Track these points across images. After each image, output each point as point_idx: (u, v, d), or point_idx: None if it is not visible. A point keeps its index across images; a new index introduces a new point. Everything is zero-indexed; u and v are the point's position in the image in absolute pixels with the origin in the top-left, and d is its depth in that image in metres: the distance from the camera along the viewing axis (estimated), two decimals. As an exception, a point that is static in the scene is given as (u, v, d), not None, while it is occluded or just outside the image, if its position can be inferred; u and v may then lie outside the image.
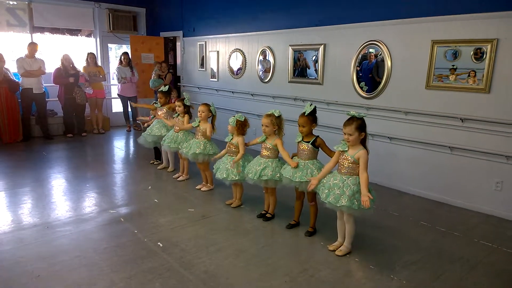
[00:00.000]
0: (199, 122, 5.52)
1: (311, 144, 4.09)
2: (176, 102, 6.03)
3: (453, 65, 5.12)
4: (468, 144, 5.11)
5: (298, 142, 4.20)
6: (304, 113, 4.09)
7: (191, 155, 5.46)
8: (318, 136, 4.12)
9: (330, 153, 4.02)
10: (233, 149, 4.87)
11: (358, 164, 3.59)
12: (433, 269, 3.65)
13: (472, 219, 4.92)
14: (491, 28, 4.77)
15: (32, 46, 8.51)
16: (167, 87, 6.55)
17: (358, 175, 3.62)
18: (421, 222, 4.77)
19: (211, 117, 5.57)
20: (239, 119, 4.82)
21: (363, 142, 3.65)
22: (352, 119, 3.61)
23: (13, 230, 4.23)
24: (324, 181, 3.82)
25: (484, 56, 4.83)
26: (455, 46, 5.06)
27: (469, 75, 5.00)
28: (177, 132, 5.91)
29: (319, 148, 4.13)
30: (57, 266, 3.51)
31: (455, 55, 5.08)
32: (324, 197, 3.71)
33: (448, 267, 3.70)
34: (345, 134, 3.63)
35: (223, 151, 5.05)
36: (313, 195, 4.19)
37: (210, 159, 5.48)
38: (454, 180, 5.32)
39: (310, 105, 4.09)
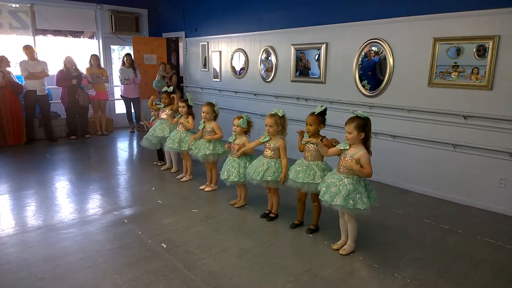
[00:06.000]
0: (204, 123, 5.53)
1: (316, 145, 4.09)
2: (179, 103, 6.02)
3: (455, 62, 5.10)
4: (471, 141, 5.10)
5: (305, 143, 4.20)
6: (314, 112, 4.10)
7: (201, 156, 5.46)
8: (324, 136, 4.11)
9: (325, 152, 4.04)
10: (237, 150, 4.88)
11: (358, 164, 3.59)
12: (437, 267, 3.65)
13: (476, 217, 4.91)
14: (492, 24, 4.75)
15: (29, 49, 8.51)
16: (171, 87, 6.55)
17: (356, 174, 3.63)
18: (424, 220, 4.76)
19: (214, 116, 5.57)
20: (249, 120, 4.85)
21: (365, 143, 3.64)
22: (353, 118, 3.61)
23: (17, 233, 4.24)
24: (324, 178, 3.86)
25: (486, 52, 4.82)
26: (457, 43, 5.05)
27: (472, 72, 4.98)
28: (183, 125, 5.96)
29: None
30: (61, 268, 3.52)
31: (458, 52, 5.06)
32: (322, 194, 3.76)
33: (452, 265, 3.69)
34: (346, 131, 3.65)
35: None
36: (316, 195, 4.19)
37: (220, 158, 5.50)
38: (458, 177, 5.30)
39: (321, 106, 4.10)
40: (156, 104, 6.65)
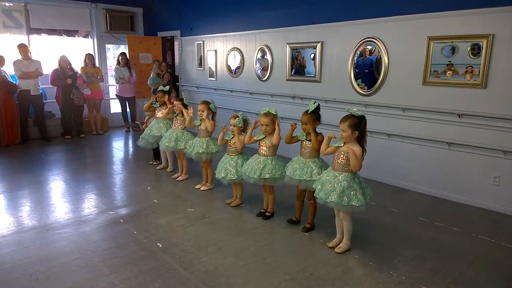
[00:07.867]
0: (200, 121, 5.52)
1: None
2: (174, 102, 6.01)
3: (449, 61, 5.12)
4: (466, 140, 5.12)
5: (301, 140, 4.20)
6: (308, 110, 4.10)
7: (195, 154, 5.47)
8: (320, 133, 4.12)
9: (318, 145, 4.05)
10: (234, 148, 4.88)
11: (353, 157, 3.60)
12: (432, 265, 3.66)
13: (471, 215, 4.92)
14: (486, 23, 4.77)
15: (24, 48, 8.46)
16: (167, 87, 6.52)
17: (350, 172, 3.65)
18: (420, 218, 4.77)
19: (211, 114, 5.56)
20: (245, 118, 4.85)
21: (359, 141, 3.64)
22: (347, 116, 3.62)
23: (12, 233, 4.22)
24: (320, 176, 3.88)
25: (481, 51, 4.84)
26: (451, 42, 5.06)
27: (466, 71, 5.00)
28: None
29: None
30: (56, 269, 3.50)
31: (453, 51, 5.08)
32: (317, 192, 3.77)
33: (447, 263, 3.70)
34: (340, 129, 3.66)
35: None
36: (313, 193, 4.19)
37: (213, 157, 5.49)
38: (453, 175, 5.32)
39: (314, 103, 4.10)
40: (152, 103, 6.60)
